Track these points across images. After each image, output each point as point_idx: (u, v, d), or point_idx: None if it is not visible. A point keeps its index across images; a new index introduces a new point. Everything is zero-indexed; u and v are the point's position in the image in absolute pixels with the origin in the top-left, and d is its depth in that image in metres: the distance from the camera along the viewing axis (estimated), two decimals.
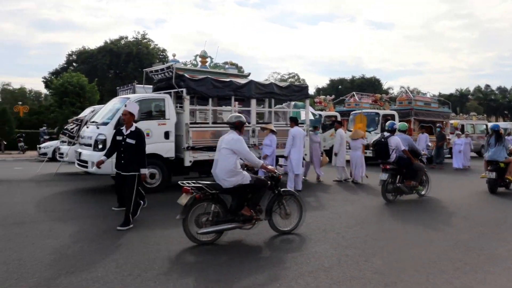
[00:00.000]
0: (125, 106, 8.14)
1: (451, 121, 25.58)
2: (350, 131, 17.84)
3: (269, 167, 6.81)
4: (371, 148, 11.75)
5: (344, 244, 6.39)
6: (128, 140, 7.17)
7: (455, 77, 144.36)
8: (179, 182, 6.34)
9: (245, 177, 6.36)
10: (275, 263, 5.47)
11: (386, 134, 10.40)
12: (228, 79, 12.33)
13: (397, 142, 10.02)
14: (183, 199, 6.10)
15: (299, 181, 11.48)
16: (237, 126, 6.52)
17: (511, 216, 8.81)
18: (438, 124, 20.53)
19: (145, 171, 7.33)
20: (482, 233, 7.30)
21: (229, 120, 6.60)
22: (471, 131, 27.91)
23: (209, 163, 11.21)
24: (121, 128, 7.43)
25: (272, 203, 6.79)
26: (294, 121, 11.64)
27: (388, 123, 10.69)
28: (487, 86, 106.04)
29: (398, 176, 10.14)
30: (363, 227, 7.49)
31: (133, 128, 7.26)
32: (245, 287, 4.68)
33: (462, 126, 27.60)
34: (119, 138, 7.32)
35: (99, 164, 7.40)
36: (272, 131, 11.47)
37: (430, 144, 18.72)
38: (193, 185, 6.14)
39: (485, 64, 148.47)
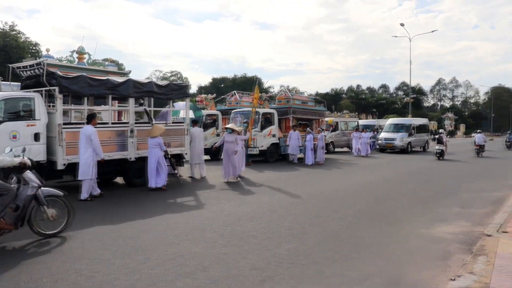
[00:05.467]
0: None
1: (326, 119, 27.18)
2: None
3: None
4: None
5: (222, 242, 6.47)
6: None
7: (332, 77, 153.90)
8: None
9: None
10: (153, 266, 5.36)
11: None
12: (104, 77, 11.81)
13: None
14: None
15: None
16: None
17: (373, 207, 9.60)
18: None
19: None
20: (350, 223, 7.87)
21: None
22: (344, 128, 29.98)
23: None
24: None
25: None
26: None
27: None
28: (359, 86, 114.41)
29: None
30: (240, 224, 7.64)
31: None
32: None
33: (337, 123, 29.52)
34: None
35: None
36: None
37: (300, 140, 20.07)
38: None
39: (359, 66, 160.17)
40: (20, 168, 6.35)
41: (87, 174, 9.96)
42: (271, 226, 7.55)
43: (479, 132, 28.12)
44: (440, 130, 28.81)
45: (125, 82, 11.72)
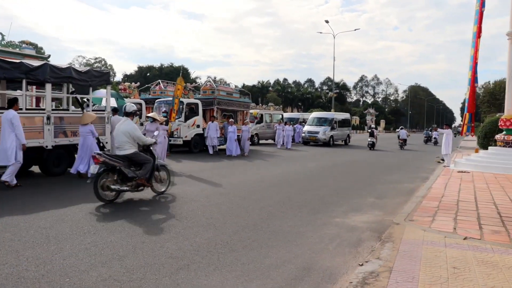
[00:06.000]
0: None
1: (251, 111, 27.47)
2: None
3: None
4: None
5: (140, 231, 6.40)
6: None
7: (259, 70, 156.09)
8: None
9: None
10: (65, 256, 5.20)
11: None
12: (18, 60, 11.18)
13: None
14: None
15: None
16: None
17: (293, 197, 9.86)
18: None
19: None
20: (270, 213, 8.04)
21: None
22: (269, 120, 30.45)
23: None
24: None
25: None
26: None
27: None
28: (285, 79, 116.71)
29: None
30: (162, 213, 7.61)
31: None
32: (28, 286, 4.35)
33: (261, 115, 29.91)
34: None
35: None
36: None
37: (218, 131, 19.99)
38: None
39: (286, 60, 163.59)
40: (150, 146, 9.12)
41: (12, 158, 9.60)
42: (192, 216, 7.55)
43: (402, 128, 33.13)
44: (372, 126, 36.30)
45: (41, 66, 11.13)
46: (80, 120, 11.57)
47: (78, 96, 12.57)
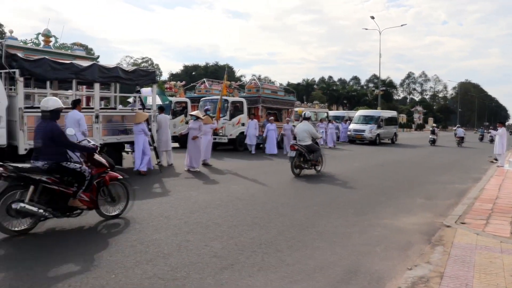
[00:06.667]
0: None
1: (296, 109, 27.28)
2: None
3: None
4: None
5: (185, 229, 6.42)
6: None
7: (304, 68, 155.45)
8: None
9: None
10: (112, 252, 5.28)
11: None
12: (68, 61, 11.50)
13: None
14: None
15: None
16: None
17: (339, 197, 9.68)
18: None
19: None
20: (315, 213, 7.91)
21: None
22: (314, 118, 30.14)
23: None
24: None
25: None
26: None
27: None
28: (330, 77, 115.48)
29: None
30: (206, 212, 7.61)
31: None
32: (76, 281, 4.42)
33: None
34: None
35: None
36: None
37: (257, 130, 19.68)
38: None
39: (331, 57, 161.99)
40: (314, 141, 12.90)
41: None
42: (237, 214, 7.53)
43: (459, 127, 36.53)
44: (434, 124, 41.31)
45: (90, 66, 11.43)
46: (134, 119, 11.97)
47: (142, 96, 12.98)
